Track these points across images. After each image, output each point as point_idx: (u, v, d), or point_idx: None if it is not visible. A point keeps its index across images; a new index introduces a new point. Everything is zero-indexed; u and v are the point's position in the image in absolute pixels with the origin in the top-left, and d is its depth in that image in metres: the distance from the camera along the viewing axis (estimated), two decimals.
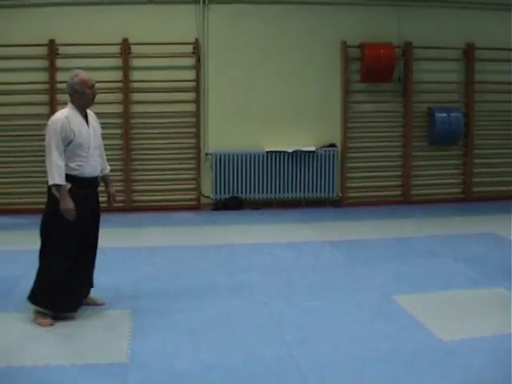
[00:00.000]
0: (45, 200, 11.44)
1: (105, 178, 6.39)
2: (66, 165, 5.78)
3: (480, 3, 11.50)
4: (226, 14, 11.33)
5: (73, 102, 5.92)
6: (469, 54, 11.82)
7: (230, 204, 11.51)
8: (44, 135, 5.91)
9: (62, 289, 5.83)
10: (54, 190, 5.80)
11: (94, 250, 6.22)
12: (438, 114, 11.61)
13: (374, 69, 11.35)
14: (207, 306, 6.38)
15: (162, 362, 5.04)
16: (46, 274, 5.87)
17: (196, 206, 11.48)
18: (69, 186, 5.77)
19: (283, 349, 5.30)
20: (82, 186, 5.88)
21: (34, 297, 5.89)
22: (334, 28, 11.49)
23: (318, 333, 5.67)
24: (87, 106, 6.02)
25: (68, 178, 5.78)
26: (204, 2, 11.20)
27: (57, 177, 5.70)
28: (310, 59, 11.53)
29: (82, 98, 5.90)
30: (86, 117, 6.00)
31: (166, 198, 11.45)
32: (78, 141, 5.81)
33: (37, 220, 9.90)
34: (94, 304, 6.26)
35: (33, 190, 11.09)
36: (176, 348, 5.32)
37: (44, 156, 5.90)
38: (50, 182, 5.75)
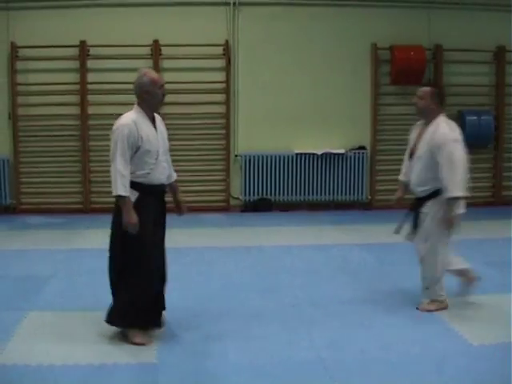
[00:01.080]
0: (76, 200, 11.53)
1: (172, 186, 5.89)
2: (134, 172, 5.35)
3: (510, 5, 11.40)
4: (256, 16, 11.34)
5: (140, 105, 5.46)
6: (499, 56, 11.75)
7: (259, 206, 11.52)
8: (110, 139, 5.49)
9: (148, 305, 5.53)
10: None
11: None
12: (468, 117, 11.55)
13: (404, 71, 11.30)
14: (236, 307, 6.39)
15: (190, 363, 5.07)
16: (132, 294, 5.47)
17: (225, 208, 11.51)
18: (136, 194, 5.38)
19: (312, 351, 5.30)
20: (151, 194, 5.48)
21: (120, 318, 5.56)
22: (365, 30, 11.47)
23: (346, 336, 5.67)
24: (157, 108, 5.63)
25: (136, 185, 5.36)
26: (234, 4, 11.23)
27: (121, 187, 5.25)
28: (340, 61, 11.52)
29: (152, 99, 5.47)
30: (153, 120, 5.57)
31: (196, 199, 11.47)
32: (146, 147, 5.35)
33: (69, 220, 10.01)
34: None
35: (65, 189, 11.24)
36: (204, 349, 5.34)
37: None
38: (114, 193, 5.31)
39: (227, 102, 11.38)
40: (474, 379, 4.78)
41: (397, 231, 6.63)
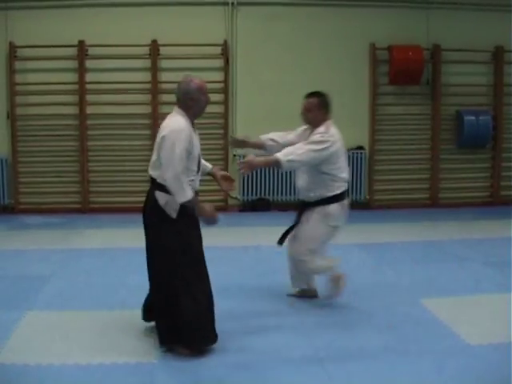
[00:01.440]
0: (75, 200, 11.47)
1: (212, 171, 5.82)
2: None
3: (509, 5, 11.41)
4: (255, 16, 11.34)
5: (185, 110, 5.30)
6: (498, 56, 11.76)
7: (258, 205, 11.53)
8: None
9: (210, 317, 5.36)
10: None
11: None
12: (466, 117, 11.56)
13: (403, 71, 11.31)
14: (234, 306, 6.40)
15: (189, 362, 5.07)
16: (193, 312, 5.21)
17: (223, 207, 11.48)
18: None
19: (311, 351, 5.31)
20: None
21: (187, 340, 5.25)
22: (363, 30, 11.47)
23: (345, 335, 5.67)
24: (199, 115, 5.44)
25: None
26: (233, 4, 11.23)
27: (188, 191, 5.07)
28: (338, 61, 11.52)
29: (197, 106, 5.34)
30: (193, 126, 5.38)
31: None
32: (194, 155, 5.23)
33: (68, 219, 9.97)
34: None
35: (64, 189, 11.25)
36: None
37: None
38: (182, 200, 5.07)
39: (225, 102, 11.38)
40: (472, 379, 4.79)
41: (280, 242, 6.82)
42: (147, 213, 5.36)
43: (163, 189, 5.17)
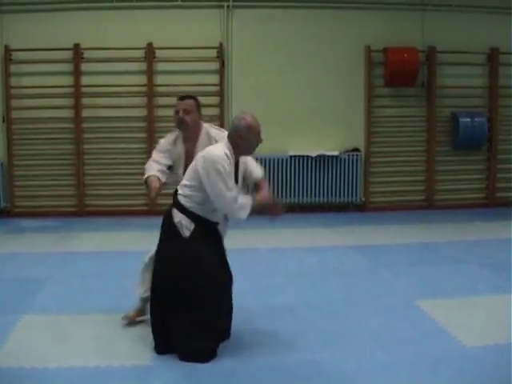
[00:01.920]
0: (70, 203, 11.45)
1: None
2: (203, 205, 5.19)
3: (504, 7, 11.43)
4: (250, 19, 11.34)
5: (233, 146, 5.18)
6: (493, 58, 11.76)
7: None
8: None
9: (207, 334, 5.21)
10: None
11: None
12: (461, 119, 11.56)
13: (398, 73, 11.32)
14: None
15: (184, 365, 5.06)
16: (185, 328, 5.16)
17: None
18: (192, 227, 5.19)
19: (307, 353, 5.30)
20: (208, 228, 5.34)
21: (200, 354, 5.17)
22: (358, 32, 11.47)
23: (341, 337, 5.66)
24: (246, 155, 5.38)
25: (204, 222, 5.25)
26: (228, 7, 11.23)
27: (245, 206, 5.20)
28: (333, 64, 11.52)
29: (245, 144, 5.19)
30: (237, 164, 5.30)
31: None
32: None
33: (64, 223, 9.95)
34: None
35: (60, 193, 11.24)
36: None
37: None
38: (244, 217, 5.23)
39: (221, 105, 11.36)
40: (468, 381, 4.78)
41: None
42: (164, 226, 5.37)
43: (181, 208, 5.21)
